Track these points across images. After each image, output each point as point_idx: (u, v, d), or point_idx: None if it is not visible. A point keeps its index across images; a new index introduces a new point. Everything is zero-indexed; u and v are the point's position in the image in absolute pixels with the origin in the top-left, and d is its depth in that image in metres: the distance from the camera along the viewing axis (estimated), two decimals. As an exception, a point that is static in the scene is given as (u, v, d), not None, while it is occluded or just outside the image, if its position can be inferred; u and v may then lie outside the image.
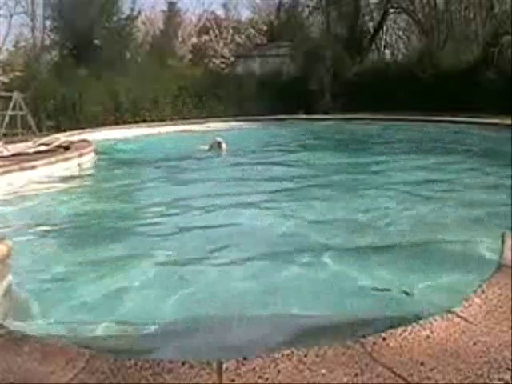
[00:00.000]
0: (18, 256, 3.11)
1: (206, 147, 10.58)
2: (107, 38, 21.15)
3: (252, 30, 31.64)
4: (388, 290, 3.24)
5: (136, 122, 17.56)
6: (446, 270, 3.50)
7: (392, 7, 24.93)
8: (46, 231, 4.95)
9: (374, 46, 25.97)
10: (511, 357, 1.72)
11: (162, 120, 18.31)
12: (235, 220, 5.09)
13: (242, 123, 17.39)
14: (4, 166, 7.38)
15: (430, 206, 5.48)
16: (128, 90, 18.84)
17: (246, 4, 43.60)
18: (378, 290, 3.26)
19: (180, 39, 30.89)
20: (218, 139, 10.38)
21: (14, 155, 8.90)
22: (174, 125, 17.27)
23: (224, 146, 10.31)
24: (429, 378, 1.64)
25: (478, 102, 14.57)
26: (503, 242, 2.65)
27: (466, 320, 1.98)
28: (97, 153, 10.10)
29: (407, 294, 3.13)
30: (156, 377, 1.73)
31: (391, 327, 1.98)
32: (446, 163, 8.40)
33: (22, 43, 26.27)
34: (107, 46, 20.75)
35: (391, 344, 1.85)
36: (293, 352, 1.82)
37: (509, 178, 6.04)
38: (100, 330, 2.83)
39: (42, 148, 9.93)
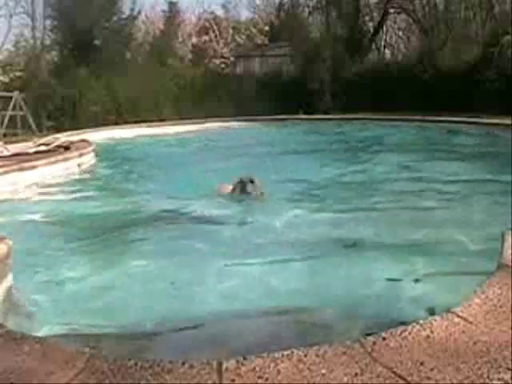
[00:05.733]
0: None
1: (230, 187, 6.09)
2: (107, 37, 21.16)
3: (253, 30, 31.65)
4: (399, 280, 3.26)
5: (136, 122, 17.57)
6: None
7: (392, 7, 24.93)
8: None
9: (374, 46, 25.98)
10: (511, 357, 1.72)
11: (161, 120, 18.31)
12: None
13: (242, 123, 17.40)
14: (4, 165, 7.38)
15: (427, 205, 5.49)
16: (128, 90, 18.84)
17: (246, 4, 43.72)
18: (390, 279, 3.30)
19: (180, 39, 30.88)
20: (243, 177, 5.89)
21: (13, 155, 8.90)
22: (174, 125, 17.27)
23: (250, 188, 5.80)
24: (429, 378, 1.64)
25: (478, 102, 14.57)
26: (503, 241, 2.65)
27: (465, 320, 1.98)
28: (96, 153, 10.10)
29: (417, 281, 3.19)
30: (156, 377, 1.73)
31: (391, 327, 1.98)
32: (445, 163, 8.41)
33: (22, 43, 26.24)
34: (107, 46, 20.77)
35: (391, 344, 1.85)
36: (293, 352, 1.81)
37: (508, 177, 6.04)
38: (101, 329, 2.84)
39: (42, 148, 9.94)
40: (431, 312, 2.46)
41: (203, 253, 4.19)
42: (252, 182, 5.84)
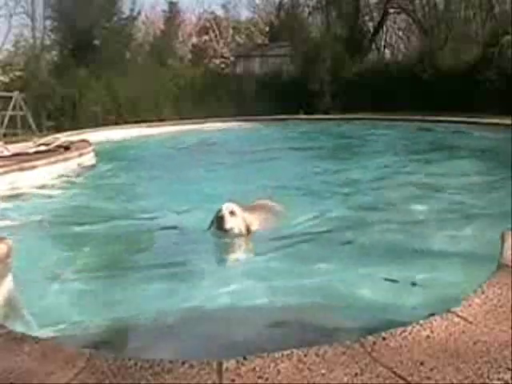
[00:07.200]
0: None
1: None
2: (107, 38, 21.16)
3: (253, 29, 31.69)
4: (396, 281, 3.29)
5: (136, 122, 17.57)
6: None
7: (392, 7, 24.94)
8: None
9: (374, 46, 25.99)
10: (511, 357, 1.72)
11: (161, 120, 18.31)
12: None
13: (241, 123, 17.40)
14: (4, 165, 7.38)
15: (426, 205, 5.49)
16: (128, 90, 18.84)
17: (246, 4, 43.77)
18: (387, 279, 3.30)
19: (180, 39, 30.91)
20: (224, 208, 4.31)
21: (13, 155, 8.91)
22: (174, 125, 17.27)
23: (231, 223, 4.26)
24: (429, 378, 1.64)
25: (478, 102, 14.57)
26: (503, 241, 2.64)
27: (465, 320, 1.97)
28: (96, 153, 10.09)
29: (414, 284, 3.21)
30: (156, 377, 1.73)
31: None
32: (446, 163, 8.41)
33: (22, 43, 26.28)
34: (107, 46, 20.77)
35: (391, 344, 1.85)
36: (293, 352, 1.81)
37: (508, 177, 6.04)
38: (100, 328, 2.84)
39: (42, 148, 9.94)
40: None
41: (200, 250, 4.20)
42: (232, 213, 4.24)
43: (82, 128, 15.64)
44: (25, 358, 1.87)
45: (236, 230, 4.25)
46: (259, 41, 30.14)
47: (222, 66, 28.24)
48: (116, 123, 17.73)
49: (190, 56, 30.23)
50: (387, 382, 1.63)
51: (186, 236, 4.59)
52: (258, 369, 1.73)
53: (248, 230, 4.31)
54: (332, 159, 10.06)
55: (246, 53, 27.05)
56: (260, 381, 1.67)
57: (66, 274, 3.76)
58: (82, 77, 18.43)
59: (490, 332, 1.88)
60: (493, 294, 2.16)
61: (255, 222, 4.40)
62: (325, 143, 12.70)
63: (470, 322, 1.96)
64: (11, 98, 16.26)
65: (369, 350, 1.81)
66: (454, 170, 7.75)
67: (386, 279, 3.34)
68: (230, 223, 4.22)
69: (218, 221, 4.24)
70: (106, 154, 10.73)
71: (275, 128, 16.29)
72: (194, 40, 31.98)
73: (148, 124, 17.25)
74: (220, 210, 4.26)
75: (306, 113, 18.54)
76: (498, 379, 1.61)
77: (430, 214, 5.12)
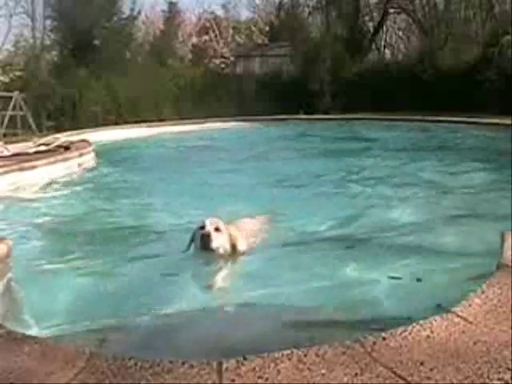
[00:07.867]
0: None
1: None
2: (107, 38, 21.18)
3: (253, 28, 31.70)
4: (400, 278, 3.30)
5: (136, 122, 17.56)
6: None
7: (392, 7, 24.96)
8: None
9: (374, 46, 26.00)
10: (511, 357, 1.72)
11: (161, 120, 18.31)
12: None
13: (241, 123, 17.40)
14: (4, 165, 7.38)
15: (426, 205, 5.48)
16: (128, 90, 18.85)
17: (246, 4, 43.80)
18: (391, 277, 3.31)
19: (180, 39, 30.92)
20: (208, 223, 3.70)
21: (14, 155, 8.91)
22: (174, 125, 17.26)
23: (217, 241, 3.67)
24: (429, 378, 1.64)
25: (478, 102, 14.59)
26: (503, 241, 2.65)
27: (465, 320, 1.98)
28: (97, 153, 10.08)
29: (419, 280, 3.22)
30: (156, 377, 1.73)
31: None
32: (446, 163, 8.41)
33: (22, 43, 26.29)
34: (107, 46, 20.79)
35: (391, 344, 1.85)
36: (293, 352, 1.81)
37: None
38: (100, 328, 2.84)
39: (42, 148, 9.94)
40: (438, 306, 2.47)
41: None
42: (218, 229, 3.66)
43: (82, 128, 15.63)
44: (25, 358, 1.87)
45: (221, 250, 3.67)
46: (259, 41, 30.14)
47: (222, 66, 28.25)
48: (116, 123, 17.74)
49: (190, 56, 30.25)
50: (387, 382, 1.63)
51: (184, 236, 4.59)
52: (257, 369, 1.73)
53: (234, 249, 3.73)
54: (332, 158, 10.05)
55: (246, 53, 27.07)
56: (260, 381, 1.67)
57: (65, 273, 3.76)
58: (81, 77, 18.43)
59: (490, 332, 1.88)
60: (493, 294, 2.16)
61: (241, 238, 3.82)
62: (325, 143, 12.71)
63: (470, 322, 1.96)
64: (11, 97, 16.26)
65: (369, 350, 1.81)
66: (457, 169, 7.75)
67: (390, 277, 3.35)
68: (216, 241, 3.63)
69: (203, 239, 3.62)
70: (106, 153, 10.73)
71: (275, 128, 16.29)
72: (194, 40, 31.99)
73: (148, 124, 17.24)
74: (203, 227, 3.66)
75: (306, 113, 18.54)
76: (498, 379, 1.61)
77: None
